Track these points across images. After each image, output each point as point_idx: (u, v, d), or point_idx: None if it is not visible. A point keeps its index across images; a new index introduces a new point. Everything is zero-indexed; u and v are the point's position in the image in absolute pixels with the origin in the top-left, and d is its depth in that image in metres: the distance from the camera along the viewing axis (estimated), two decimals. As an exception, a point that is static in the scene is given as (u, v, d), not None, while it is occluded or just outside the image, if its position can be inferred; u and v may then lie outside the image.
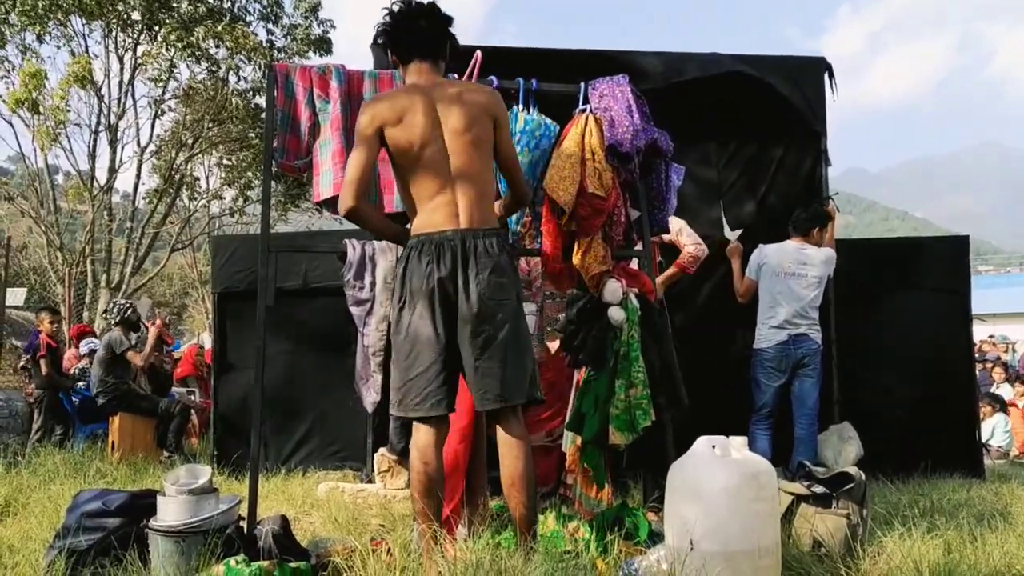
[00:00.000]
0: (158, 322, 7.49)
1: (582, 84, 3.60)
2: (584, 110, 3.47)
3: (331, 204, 3.29)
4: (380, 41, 2.95)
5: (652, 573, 2.62)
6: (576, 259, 3.38)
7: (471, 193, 2.71)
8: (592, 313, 3.37)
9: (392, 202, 3.37)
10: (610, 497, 3.47)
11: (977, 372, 10.85)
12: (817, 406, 5.00)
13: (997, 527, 3.33)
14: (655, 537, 2.95)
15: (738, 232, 5.59)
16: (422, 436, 2.68)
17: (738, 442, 2.68)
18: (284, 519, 2.95)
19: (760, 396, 4.97)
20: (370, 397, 3.43)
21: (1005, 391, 9.87)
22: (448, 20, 2.90)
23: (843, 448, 5.05)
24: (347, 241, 3.27)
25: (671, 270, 4.86)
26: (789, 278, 4.94)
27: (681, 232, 4.84)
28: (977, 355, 12.01)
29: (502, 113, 2.85)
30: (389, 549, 2.71)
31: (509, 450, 2.64)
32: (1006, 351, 13.81)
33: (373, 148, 2.77)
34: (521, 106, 3.52)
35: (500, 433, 2.68)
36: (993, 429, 8.57)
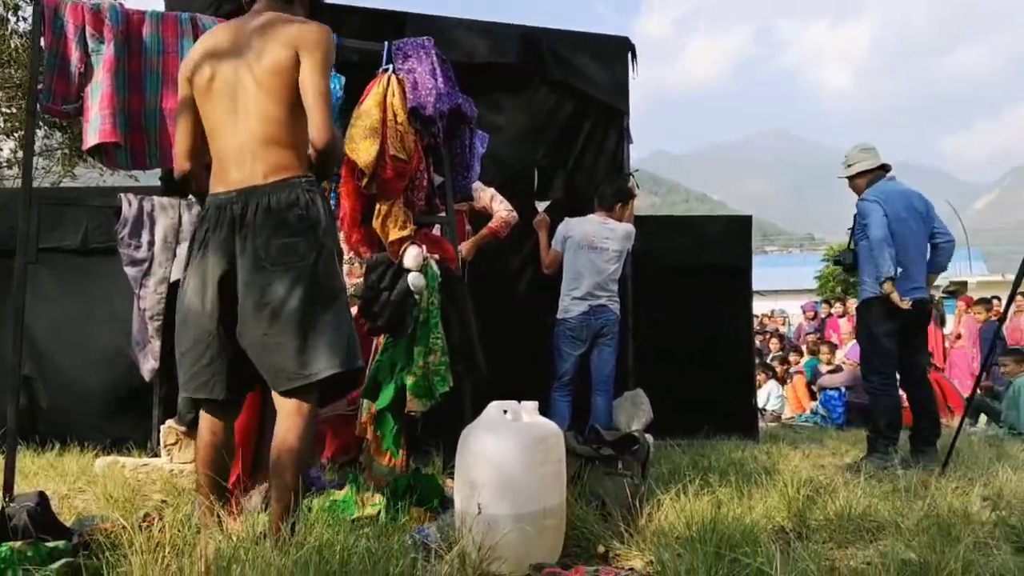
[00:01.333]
0: None
1: (386, 43, 3.50)
2: (387, 70, 3.38)
3: (99, 153, 3.00)
4: None
5: (443, 539, 2.62)
6: (376, 223, 3.30)
7: (257, 139, 2.40)
8: (392, 279, 3.31)
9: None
10: (403, 464, 3.45)
11: (758, 342, 11.85)
12: (613, 374, 5.22)
13: (763, 484, 3.61)
14: (448, 503, 2.96)
15: (545, 204, 5.72)
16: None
17: (529, 407, 2.72)
18: (42, 496, 2.68)
19: (561, 364, 5.12)
20: (148, 364, 3.19)
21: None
22: None
23: (635, 413, 5.33)
24: (122, 196, 3.00)
25: (484, 232, 4.91)
26: (592, 251, 5.09)
27: (494, 198, 4.89)
28: (758, 327, 13.10)
29: (307, 41, 2.40)
30: (162, 525, 2.53)
31: (289, 421, 2.38)
32: (783, 324, 15.15)
33: (187, 103, 2.50)
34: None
35: (283, 402, 2.39)
36: (768, 395, 9.38)
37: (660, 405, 5.32)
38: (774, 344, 11.81)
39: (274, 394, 2.42)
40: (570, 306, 5.09)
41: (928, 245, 5.05)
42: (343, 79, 3.40)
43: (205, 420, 2.56)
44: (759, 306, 17.17)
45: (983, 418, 7.56)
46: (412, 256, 3.26)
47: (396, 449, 3.46)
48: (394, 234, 3.28)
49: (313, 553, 2.03)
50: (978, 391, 6.02)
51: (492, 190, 4.93)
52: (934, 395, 5.24)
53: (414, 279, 3.26)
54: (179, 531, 2.46)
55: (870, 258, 4.89)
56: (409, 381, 3.25)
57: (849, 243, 5.16)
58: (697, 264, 6.22)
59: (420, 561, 2.31)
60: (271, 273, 2.34)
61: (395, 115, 3.23)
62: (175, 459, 4.26)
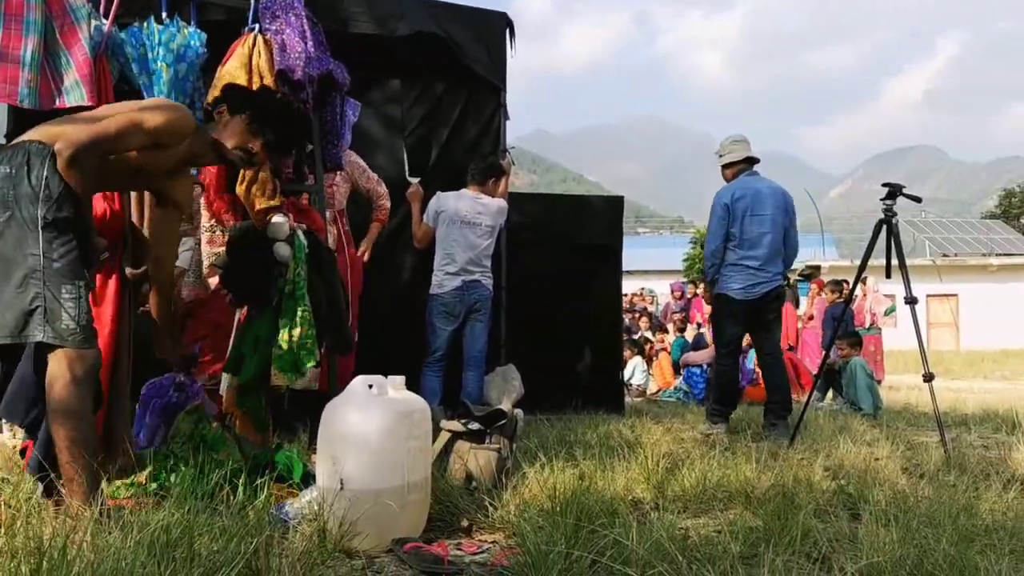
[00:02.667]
0: None
1: (252, 2, 3.32)
2: (253, 30, 3.22)
3: None
4: None
5: (303, 515, 2.57)
6: (240, 190, 3.15)
7: None
8: (256, 249, 3.18)
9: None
10: (270, 440, 3.35)
11: (627, 320, 12.19)
12: (486, 349, 5.24)
13: (625, 457, 3.72)
14: (310, 479, 2.89)
15: (419, 176, 5.65)
16: None
17: (395, 381, 2.69)
18: None
19: (434, 339, 5.09)
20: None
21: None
22: None
23: (506, 388, 5.35)
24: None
25: (374, 228, 4.87)
26: (465, 226, 5.07)
27: (380, 184, 4.81)
28: (628, 306, 13.48)
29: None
30: (-2, 505, 2.37)
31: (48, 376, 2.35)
32: (652, 303, 15.68)
33: None
34: (164, 15, 3.16)
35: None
36: (634, 370, 9.69)
37: (531, 380, 5.36)
38: (643, 322, 12.19)
39: None
40: (443, 281, 5.07)
41: (783, 240, 5.36)
42: (204, 36, 3.21)
43: None
44: (630, 285, 17.71)
45: (831, 393, 8.08)
46: (278, 225, 3.14)
47: (263, 425, 3.35)
48: (260, 202, 3.14)
49: (160, 532, 1.94)
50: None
51: (376, 177, 4.87)
52: (785, 373, 5.57)
53: (280, 249, 3.15)
54: (18, 511, 2.31)
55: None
56: (274, 355, 3.14)
57: None
58: (570, 242, 6.30)
59: (277, 538, 2.25)
60: None
61: (261, 78, 3.08)
62: (17, 435, 3.98)
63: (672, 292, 13.63)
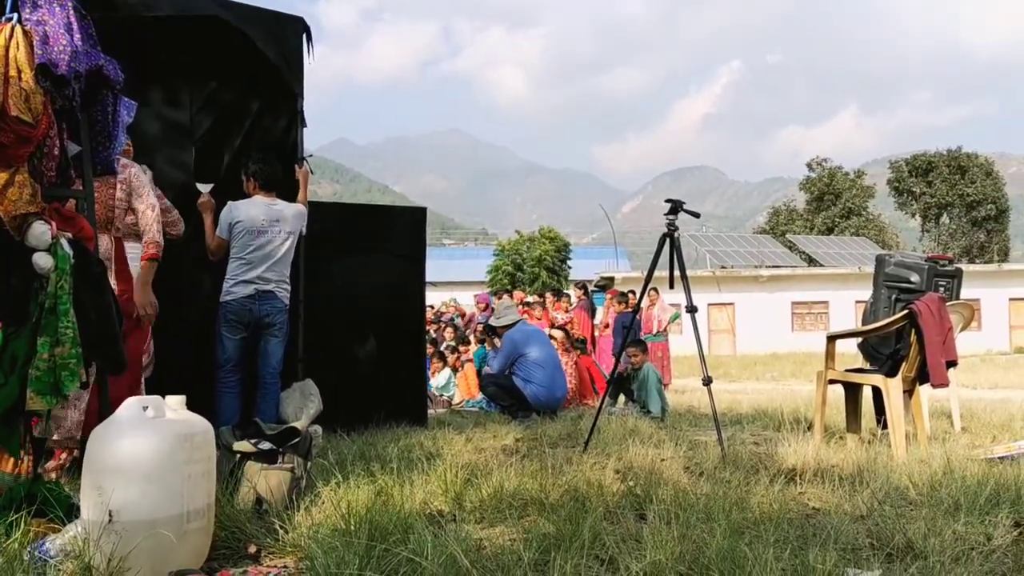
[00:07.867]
0: None
1: (10, -12, 3.00)
2: (11, 19, 2.90)
3: None
4: None
5: (66, 553, 2.32)
6: (-7, 195, 2.82)
7: None
8: (12, 259, 2.86)
9: None
10: (29, 470, 3.01)
11: (433, 332, 12.22)
12: (281, 364, 5.04)
13: (425, 470, 3.70)
14: (76, 512, 2.63)
15: (210, 185, 5.34)
16: None
17: (175, 401, 2.51)
18: None
19: (222, 350, 4.82)
20: None
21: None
22: None
23: (304, 404, 5.17)
24: None
25: (144, 267, 4.26)
26: (262, 235, 4.85)
27: (174, 211, 4.34)
28: (434, 316, 13.51)
29: None
30: None
31: None
32: (461, 316, 15.81)
33: None
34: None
35: None
36: (445, 381, 9.73)
37: (332, 394, 5.22)
38: (449, 333, 12.26)
39: None
40: (233, 288, 4.80)
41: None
42: None
43: None
44: (436, 296, 17.79)
45: (622, 398, 8.49)
46: (37, 234, 2.83)
47: (18, 453, 3.00)
48: (17, 208, 2.82)
49: None
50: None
51: (161, 201, 4.32)
52: None
53: (39, 259, 2.84)
54: None
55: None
56: (31, 376, 2.82)
57: None
58: (373, 253, 6.23)
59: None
60: None
61: (20, 71, 2.77)
62: None
63: (477, 303, 13.81)
